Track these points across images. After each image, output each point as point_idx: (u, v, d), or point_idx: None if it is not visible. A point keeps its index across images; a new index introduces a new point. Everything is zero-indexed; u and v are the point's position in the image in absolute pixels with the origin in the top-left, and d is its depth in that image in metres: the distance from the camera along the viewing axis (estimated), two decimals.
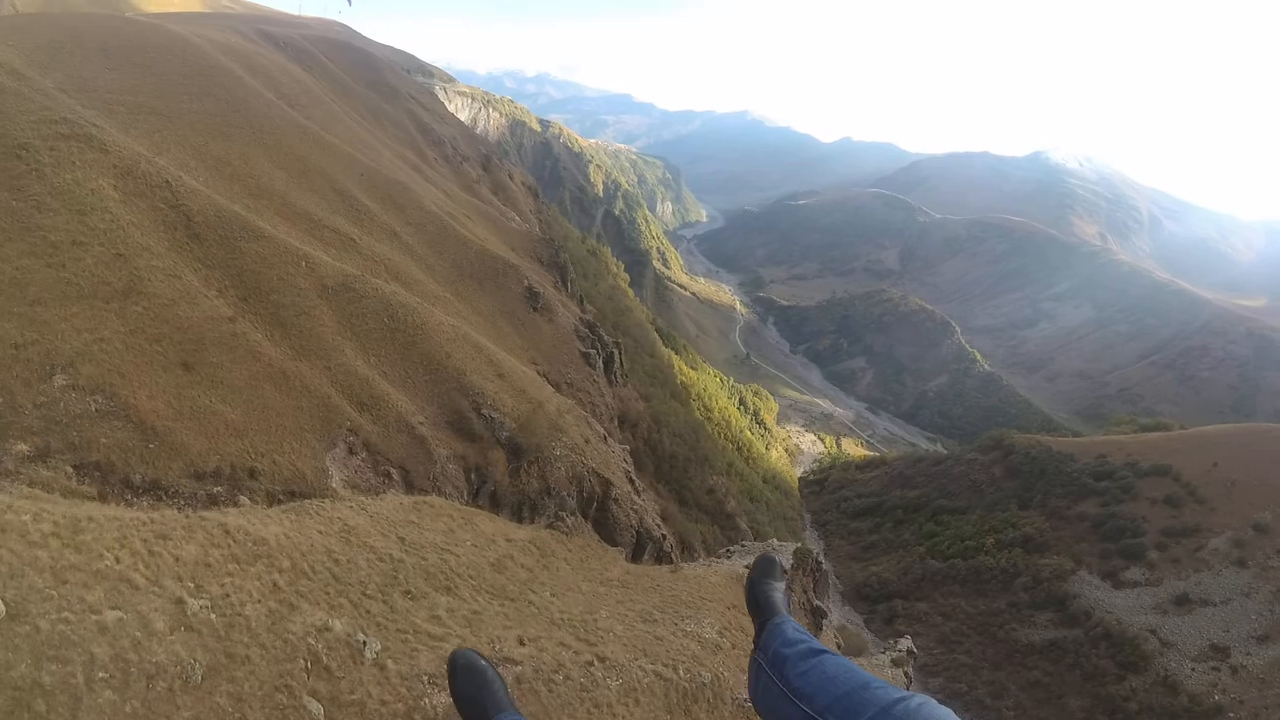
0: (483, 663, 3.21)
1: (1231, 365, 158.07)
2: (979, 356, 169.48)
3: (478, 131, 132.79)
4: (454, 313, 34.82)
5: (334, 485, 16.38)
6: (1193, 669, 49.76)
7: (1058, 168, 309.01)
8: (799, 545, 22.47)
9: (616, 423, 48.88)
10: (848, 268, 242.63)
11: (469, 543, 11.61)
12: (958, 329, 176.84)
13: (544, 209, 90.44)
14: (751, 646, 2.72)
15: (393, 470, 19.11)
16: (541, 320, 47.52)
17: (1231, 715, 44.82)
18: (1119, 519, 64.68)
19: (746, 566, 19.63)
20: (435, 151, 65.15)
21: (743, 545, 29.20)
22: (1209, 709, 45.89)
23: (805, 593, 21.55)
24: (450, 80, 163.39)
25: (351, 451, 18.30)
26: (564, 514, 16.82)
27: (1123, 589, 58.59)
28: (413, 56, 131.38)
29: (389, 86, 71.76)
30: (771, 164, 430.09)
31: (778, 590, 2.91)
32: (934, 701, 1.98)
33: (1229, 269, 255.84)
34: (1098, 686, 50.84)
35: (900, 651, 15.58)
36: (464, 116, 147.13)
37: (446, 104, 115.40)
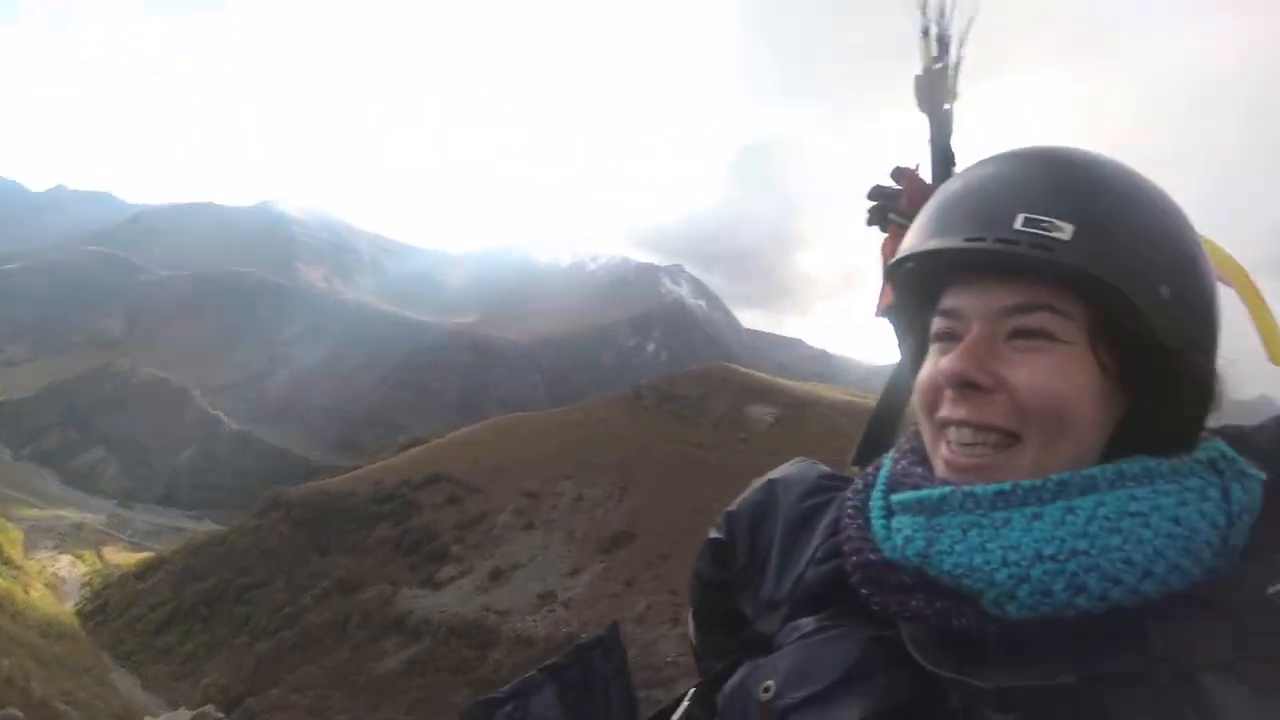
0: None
1: (459, 373, 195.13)
2: (224, 417, 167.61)
3: None
4: None
5: None
6: (534, 619, 58.51)
7: (284, 217, 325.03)
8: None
9: None
10: (68, 343, 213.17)
11: None
12: (197, 393, 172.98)
13: None
14: None
15: None
16: None
17: (583, 635, 62.06)
18: (414, 532, 71.50)
19: None
20: None
21: None
22: (564, 640, 52.26)
23: None
24: None
25: None
26: None
27: (444, 587, 64.74)
28: None
29: None
30: None
31: None
32: None
33: (446, 295, 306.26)
34: (469, 675, 54.66)
35: None
36: None
37: None
